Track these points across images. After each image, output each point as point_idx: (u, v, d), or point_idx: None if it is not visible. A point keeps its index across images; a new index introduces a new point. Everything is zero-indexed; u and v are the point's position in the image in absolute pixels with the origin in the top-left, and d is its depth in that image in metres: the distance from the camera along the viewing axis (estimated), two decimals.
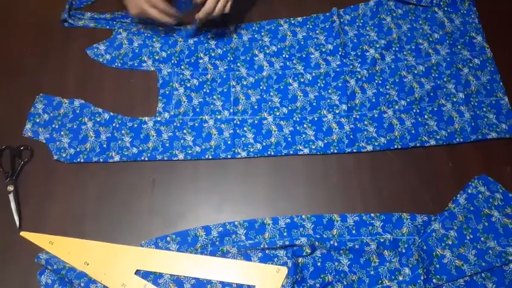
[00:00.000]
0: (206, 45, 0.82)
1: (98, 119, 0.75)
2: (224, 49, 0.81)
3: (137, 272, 0.62)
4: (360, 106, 0.76)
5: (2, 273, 0.64)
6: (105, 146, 0.72)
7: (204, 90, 0.78)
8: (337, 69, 0.79)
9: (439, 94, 0.77)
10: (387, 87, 0.77)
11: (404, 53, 0.80)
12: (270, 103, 0.76)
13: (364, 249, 0.64)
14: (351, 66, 0.79)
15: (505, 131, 0.73)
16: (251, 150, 0.72)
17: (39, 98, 0.76)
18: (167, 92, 0.77)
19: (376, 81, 0.78)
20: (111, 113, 0.75)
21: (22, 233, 0.66)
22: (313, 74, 0.79)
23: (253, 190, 0.70)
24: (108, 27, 0.83)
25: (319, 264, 0.63)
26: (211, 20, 0.78)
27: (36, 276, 0.62)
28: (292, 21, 0.84)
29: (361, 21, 0.84)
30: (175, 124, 0.74)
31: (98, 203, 0.69)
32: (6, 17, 0.86)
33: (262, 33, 0.83)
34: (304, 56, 0.81)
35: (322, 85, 0.78)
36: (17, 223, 0.66)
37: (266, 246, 0.63)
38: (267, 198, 0.70)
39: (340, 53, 0.80)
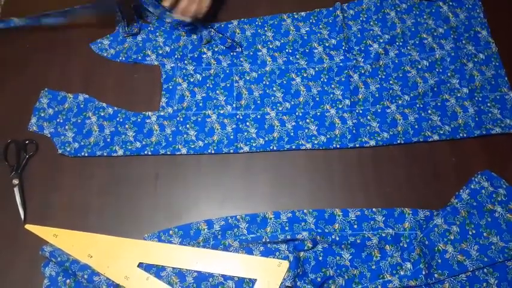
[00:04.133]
0: None
1: (102, 114, 0.75)
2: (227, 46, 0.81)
3: (140, 265, 0.63)
4: (363, 101, 0.76)
5: (6, 265, 0.65)
6: (108, 140, 0.73)
7: (207, 85, 0.78)
8: (341, 64, 0.79)
9: (443, 89, 0.76)
10: (391, 82, 0.77)
11: (408, 47, 0.80)
12: (272, 98, 0.77)
13: (366, 244, 0.64)
14: (355, 61, 0.79)
15: (509, 126, 0.72)
16: (254, 145, 0.72)
17: (44, 92, 0.77)
18: (170, 87, 0.78)
19: (380, 76, 0.78)
20: (115, 108, 0.76)
21: (27, 226, 0.67)
22: (316, 69, 0.79)
23: (256, 184, 0.70)
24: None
25: (320, 258, 0.63)
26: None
27: (40, 268, 0.63)
28: (296, 16, 0.84)
29: (365, 15, 0.83)
30: (178, 119, 0.75)
31: (101, 196, 0.69)
32: (12, 12, 0.86)
33: (266, 28, 0.83)
34: (307, 50, 0.81)
35: (325, 80, 0.78)
36: (22, 216, 0.67)
37: (268, 240, 0.64)
38: (269, 192, 0.70)
39: (343, 48, 0.80)
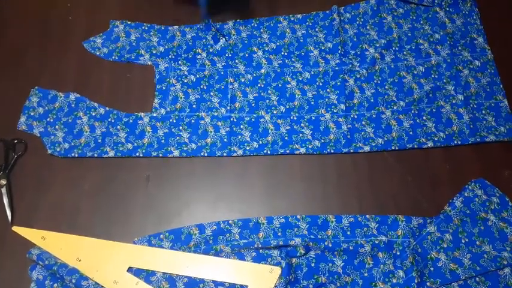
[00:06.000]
0: (204, 40, 0.81)
1: (93, 114, 0.74)
2: (222, 45, 0.80)
3: (129, 269, 0.62)
4: (358, 106, 0.75)
5: None
6: (100, 141, 0.72)
7: (201, 86, 0.77)
8: (336, 68, 0.78)
9: (438, 95, 0.76)
10: (386, 87, 0.77)
11: (404, 53, 0.80)
12: (267, 101, 0.76)
13: (359, 251, 0.63)
14: (350, 65, 0.78)
15: (504, 134, 0.72)
16: (247, 148, 0.72)
17: (34, 91, 0.75)
18: (164, 88, 0.76)
19: (375, 81, 0.77)
20: (107, 108, 0.74)
21: (14, 228, 0.65)
22: (312, 73, 0.78)
23: (249, 189, 0.70)
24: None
25: (312, 265, 0.63)
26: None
27: (27, 271, 0.62)
28: (292, 18, 0.83)
29: (362, 19, 0.83)
30: (171, 120, 0.74)
31: (91, 198, 0.68)
32: (5, 9, 0.85)
33: (261, 30, 0.82)
34: (303, 54, 0.80)
35: (320, 84, 0.77)
36: (9, 217, 0.66)
37: (260, 246, 0.63)
38: (263, 197, 0.69)
39: (339, 52, 0.79)
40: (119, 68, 0.79)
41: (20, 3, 0.85)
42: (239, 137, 0.73)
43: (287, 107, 0.75)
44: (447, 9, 0.83)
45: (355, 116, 0.74)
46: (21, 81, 0.77)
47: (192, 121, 0.74)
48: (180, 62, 0.79)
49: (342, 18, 0.83)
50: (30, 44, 0.81)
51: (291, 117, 0.74)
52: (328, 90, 0.76)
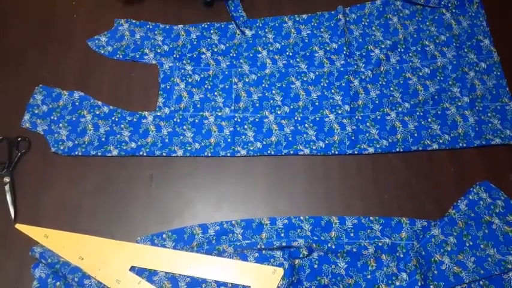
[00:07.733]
0: (209, 40, 0.80)
1: (97, 112, 0.74)
2: (227, 45, 0.80)
3: (132, 269, 0.62)
4: (362, 107, 0.75)
5: None
6: (103, 139, 0.72)
7: (206, 86, 0.77)
8: (341, 69, 0.78)
9: (443, 97, 0.75)
10: (391, 88, 0.76)
11: (410, 54, 0.79)
12: (271, 101, 0.75)
13: (362, 253, 0.63)
14: (355, 66, 0.78)
15: (509, 137, 0.72)
16: (251, 148, 0.71)
17: (38, 89, 0.75)
18: (168, 87, 0.76)
19: (380, 83, 0.77)
20: (111, 107, 0.74)
21: (17, 226, 0.65)
22: (317, 73, 0.78)
23: (252, 189, 0.69)
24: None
25: (315, 266, 0.63)
26: None
27: (30, 269, 0.62)
28: (297, 19, 0.83)
29: (367, 20, 0.82)
30: (175, 120, 0.73)
31: (94, 197, 0.68)
32: (7, 7, 0.85)
33: (266, 30, 0.82)
34: (308, 54, 0.80)
35: (325, 85, 0.77)
36: (12, 215, 0.66)
37: (263, 247, 0.63)
38: (266, 197, 0.69)
39: (344, 52, 0.79)
40: (122, 67, 0.79)
41: (21, 3, 0.85)
42: (243, 137, 0.72)
43: (291, 107, 0.75)
44: (453, 10, 0.83)
45: (360, 117, 0.74)
46: (25, 79, 0.77)
47: (196, 121, 0.73)
48: (184, 61, 0.79)
49: (347, 19, 0.82)
50: (31, 43, 0.80)
51: (295, 118, 0.74)
52: (332, 91, 0.76)
